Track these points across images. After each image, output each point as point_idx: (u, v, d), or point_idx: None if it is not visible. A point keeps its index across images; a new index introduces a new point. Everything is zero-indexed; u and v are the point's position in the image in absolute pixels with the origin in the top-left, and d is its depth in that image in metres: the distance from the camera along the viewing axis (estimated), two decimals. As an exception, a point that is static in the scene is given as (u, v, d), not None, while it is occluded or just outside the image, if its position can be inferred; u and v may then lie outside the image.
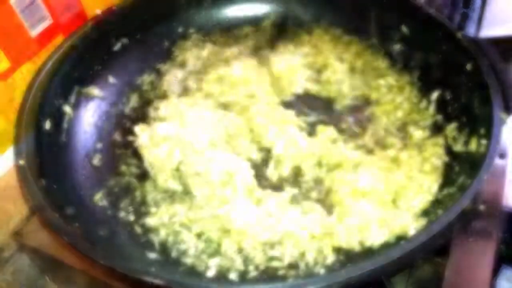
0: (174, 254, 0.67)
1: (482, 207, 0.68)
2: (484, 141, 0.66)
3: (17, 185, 0.80)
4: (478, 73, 0.71)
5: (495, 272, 0.75)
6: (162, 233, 0.69)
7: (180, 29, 0.97)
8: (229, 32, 0.99)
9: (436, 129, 0.77)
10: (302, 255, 0.65)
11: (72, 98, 0.83)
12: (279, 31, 0.99)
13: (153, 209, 0.72)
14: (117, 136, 0.84)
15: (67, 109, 0.82)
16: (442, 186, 0.69)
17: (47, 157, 0.73)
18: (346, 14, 0.95)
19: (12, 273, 0.92)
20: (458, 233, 0.62)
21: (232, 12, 1.00)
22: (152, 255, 0.66)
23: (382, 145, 0.77)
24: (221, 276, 0.64)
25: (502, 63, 0.70)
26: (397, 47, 0.90)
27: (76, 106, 0.83)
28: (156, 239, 0.69)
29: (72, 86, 0.84)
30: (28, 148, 0.70)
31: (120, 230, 0.71)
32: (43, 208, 0.62)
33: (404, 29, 0.88)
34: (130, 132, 0.82)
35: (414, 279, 0.65)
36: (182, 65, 0.93)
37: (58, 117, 0.79)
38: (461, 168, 0.69)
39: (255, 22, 1.00)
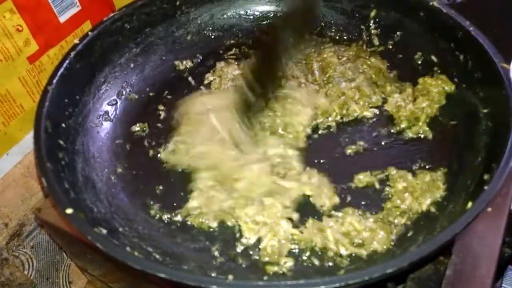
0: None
1: (489, 209, 0.67)
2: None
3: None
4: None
5: (501, 275, 0.75)
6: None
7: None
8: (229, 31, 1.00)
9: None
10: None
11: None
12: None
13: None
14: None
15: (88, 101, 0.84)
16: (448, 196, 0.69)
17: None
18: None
19: (32, 247, 0.97)
20: (461, 233, 0.61)
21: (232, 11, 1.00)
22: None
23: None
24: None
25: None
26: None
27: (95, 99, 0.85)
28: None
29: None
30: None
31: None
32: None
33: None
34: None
35: (414, 276, 0.65)
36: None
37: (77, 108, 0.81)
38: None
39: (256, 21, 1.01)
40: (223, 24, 0.99)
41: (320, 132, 0.81)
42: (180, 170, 0.77)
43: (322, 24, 0.98)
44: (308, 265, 0.65)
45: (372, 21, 0.93)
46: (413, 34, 0.88)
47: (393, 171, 0.73)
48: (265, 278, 0.63)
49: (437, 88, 0.80)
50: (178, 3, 0.94)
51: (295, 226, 0.68)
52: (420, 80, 0.83)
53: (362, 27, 0.94)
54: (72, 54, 0.80)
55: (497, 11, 1.00)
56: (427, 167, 0.74)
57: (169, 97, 0.89)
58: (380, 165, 0.75)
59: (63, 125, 0.76)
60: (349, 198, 0.72)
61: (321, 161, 0.77)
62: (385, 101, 0.83)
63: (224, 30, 0.99)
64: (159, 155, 0.79)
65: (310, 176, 0.73)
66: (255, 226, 0.68)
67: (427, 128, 0.78)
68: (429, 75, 0.83)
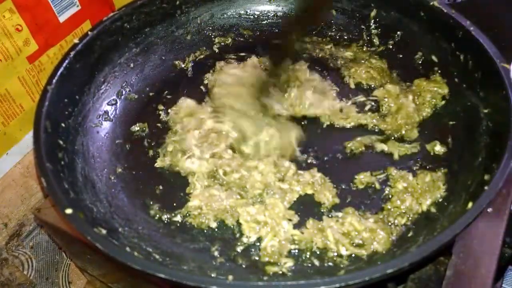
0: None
1: (489, 210, 0.67)
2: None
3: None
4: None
5: (501, 275, 0.74)
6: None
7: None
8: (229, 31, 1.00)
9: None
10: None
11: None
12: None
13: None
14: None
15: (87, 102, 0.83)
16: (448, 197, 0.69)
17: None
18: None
19: (31, 247, 0.96)
20: (462, 233, 0.61)
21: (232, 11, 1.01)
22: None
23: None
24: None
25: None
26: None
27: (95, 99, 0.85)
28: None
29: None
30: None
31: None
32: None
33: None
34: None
35: (415, 276, 0.65)
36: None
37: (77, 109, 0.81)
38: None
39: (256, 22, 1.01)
40: (223, 24, 0.99)
41: (320, 131, 0.81)
42: (179, 170, 0.77)
43: (322, 24, 0.98)
44: (308, 265, 0.65)
45: (372, 21, 0.93)
46: (413, 34, 0.88)
47: (393, 171, 0.73)
48: (265, 278, 0.63)
49: (432, 89, 0.80)
50: (178, 2, 0.94)
51: (296, 226, 0.68)
52: (415, 82, 0.83)
53: (363, 27, 0.94)
54: (72, 53, 0.80)
55: (497, 11, 1.00)
56: (427, 167, 0.74)
57: (169, 97, 0.89)
58: (380, 165, 0.75)
59: (63, 125, 0.76)
60: (349, 198, 0.72)
61: (321, 161, 0.77)
62: (385, 101, 0.83)
63: (224, 30, 0.99)
64: (157, 158, 0.79)
65: (310, 176, 0.72)
66: (256, 225, 0.67)
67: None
68: (429, 75, 0.83)
